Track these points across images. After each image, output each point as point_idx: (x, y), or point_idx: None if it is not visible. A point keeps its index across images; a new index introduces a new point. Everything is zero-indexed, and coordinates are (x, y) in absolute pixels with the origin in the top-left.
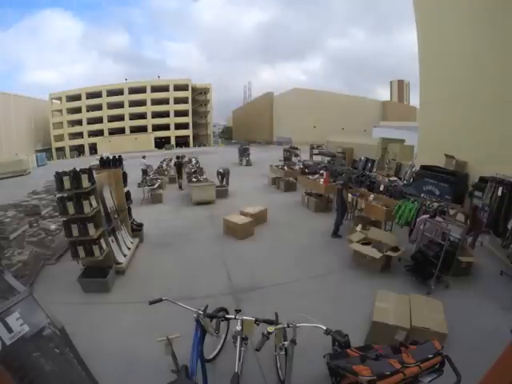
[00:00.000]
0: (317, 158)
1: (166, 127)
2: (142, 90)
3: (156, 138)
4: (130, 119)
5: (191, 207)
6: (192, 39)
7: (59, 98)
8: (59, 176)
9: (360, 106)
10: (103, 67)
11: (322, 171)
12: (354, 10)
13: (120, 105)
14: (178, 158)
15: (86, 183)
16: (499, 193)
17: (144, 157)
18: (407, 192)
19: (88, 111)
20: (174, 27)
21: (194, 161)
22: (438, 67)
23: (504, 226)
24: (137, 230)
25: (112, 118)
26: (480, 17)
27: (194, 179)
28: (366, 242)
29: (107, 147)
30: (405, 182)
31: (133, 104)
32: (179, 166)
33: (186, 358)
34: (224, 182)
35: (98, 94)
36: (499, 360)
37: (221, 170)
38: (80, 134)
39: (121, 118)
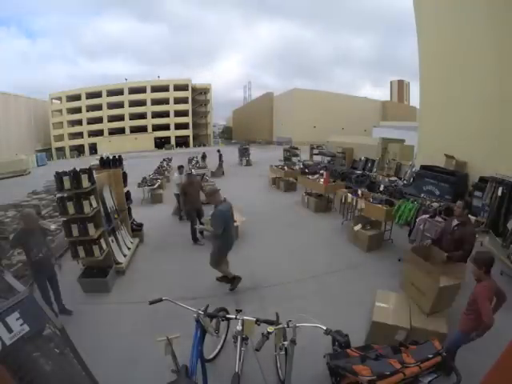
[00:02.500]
0: (317, 158)
1: (166, 127)
2: (141, 90)
3: (156, 138)
4: (130, 119)
5: None
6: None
7: (59, 98)
8: (59, 176)
9: (360, 106)
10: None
11: (322, 171)
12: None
13: (120, 105)
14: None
15: (86, 183)
16: (499, 193)
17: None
18: (407, 192)
19: (88, 111)
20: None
21: (194, 161)
22: (438, 67)
23: (504, 226)
24: (137, 230)
25: (112, 118)
26: (484, 17)
27: None
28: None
29: (107, 147)
30: (405, 182)
31: (133, 104)
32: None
33: (186, 358)
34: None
35: (97, 94)
36: (500, 360)
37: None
38: (80, 134)
39: (121, 118)
